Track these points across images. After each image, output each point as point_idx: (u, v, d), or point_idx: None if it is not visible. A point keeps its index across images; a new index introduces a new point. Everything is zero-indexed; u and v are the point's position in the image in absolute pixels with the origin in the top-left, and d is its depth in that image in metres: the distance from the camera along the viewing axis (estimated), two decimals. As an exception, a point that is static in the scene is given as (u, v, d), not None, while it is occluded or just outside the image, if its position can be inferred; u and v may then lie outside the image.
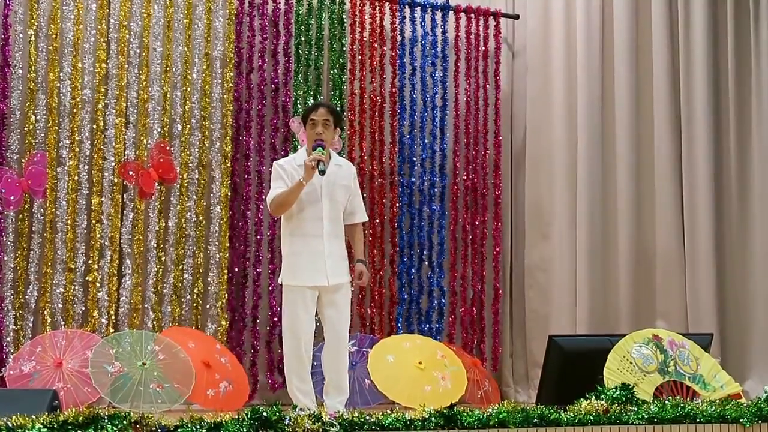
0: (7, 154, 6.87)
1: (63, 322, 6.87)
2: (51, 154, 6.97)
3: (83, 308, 6.97)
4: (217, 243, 7.39)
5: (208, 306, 7.32)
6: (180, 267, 7.26)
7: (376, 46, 8.10)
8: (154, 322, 7.12)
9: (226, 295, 7.37)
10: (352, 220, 5.71)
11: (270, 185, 5.69)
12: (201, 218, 7.36)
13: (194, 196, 7.37)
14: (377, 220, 7.91)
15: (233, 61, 7.57)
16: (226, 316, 7.33)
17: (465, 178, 8.31)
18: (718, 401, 4.72)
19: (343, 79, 7.95)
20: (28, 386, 6.13)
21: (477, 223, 8.29)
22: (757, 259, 8.04)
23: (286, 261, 5.59)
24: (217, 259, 7.38)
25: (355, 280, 5.64)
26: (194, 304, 7.28)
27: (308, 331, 5.48)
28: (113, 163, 7.15)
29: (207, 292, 7.33)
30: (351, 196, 5.68)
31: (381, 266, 7.89)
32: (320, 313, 5.61)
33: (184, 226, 7.30)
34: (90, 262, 7.02)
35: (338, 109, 5.68)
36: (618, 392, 4.67)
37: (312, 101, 7.76)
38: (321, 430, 3.75)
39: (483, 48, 8.52)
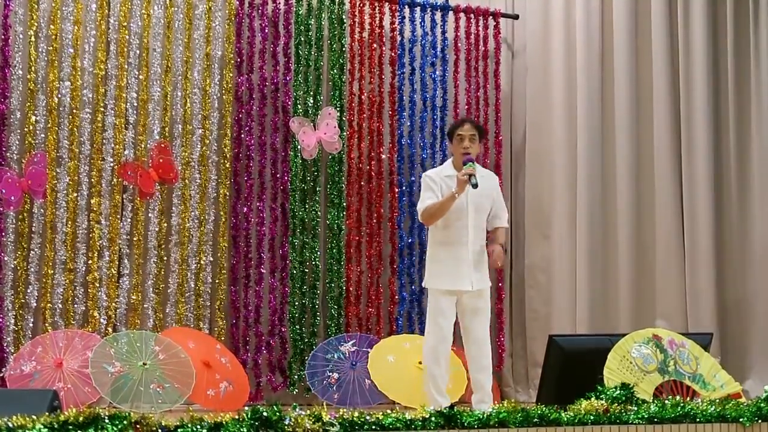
0: (8, 154, 6.87)
1: (63, 323, 6.88)
2: (51, 154, 6.97)
3: (83, 308, 6.98)
4: (218, 243, 7.40)
5: (209, 306, 7.33)
6: (181, 267, 7.26)
7: (375, 46, 8.11)
8: (155, 322, 7.13)
9: (227, 295, 7.38)
10: (495, 224, 5.97)
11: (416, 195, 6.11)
12: (202, 218, 7.37)
13: (195, 197, 7.38)
14: (375, 221, 7.92)
15: (233, 62, 7.58)
16: (222, 316, 7.34)
17: (465, 178, 8.31)
18: (717, 401, 4.72)
19: (343, 80, 7.95)
20: (28, 386, 6.14)
21: (477, 223, 8.29)
22: (756, 258, 8.04)
23: (430, 266, 5.84)
24: (218, 259, 7.39)
25: (491, 261, 5.81)
26: (195, 305, 7.29)
27: (448, 334, 5.73)
28: (113, 164, 7.16)
29: (208, 293, 7.34)
30: (495, 204, 5.93)
31: (379, 266, 7.90)
32: (460, 317, 5.81)
33: (184, 226, 7.31)
34: (90, 262, 7.03)
35: (480, 124, 6.04)
36: (618, 392, 4.68)
37: (312, 101, 7.78)
38: (321, 430, 3.75)
39: (483, 48, 8.52)
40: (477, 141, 5.83)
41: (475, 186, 5.57)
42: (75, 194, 7.04)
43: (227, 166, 7.50)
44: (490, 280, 5.89)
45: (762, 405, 4.64)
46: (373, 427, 3.89)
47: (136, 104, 7.26)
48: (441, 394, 5.66)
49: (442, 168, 5.98)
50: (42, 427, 3.33)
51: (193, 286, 7.29)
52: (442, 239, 5.77)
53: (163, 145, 7.23)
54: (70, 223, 7.00)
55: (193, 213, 7.35)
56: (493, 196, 5.92)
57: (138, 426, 3.45)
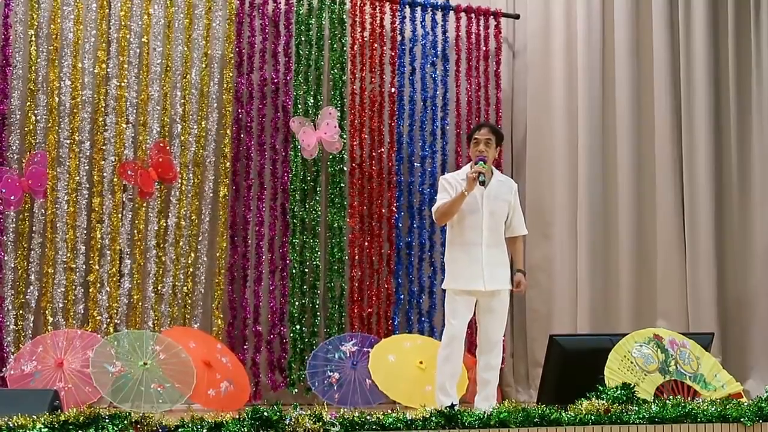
0: (8, 154, 6.87)
1: (64, 322, 6.87)
2: (51, 154, 6.97)
3: (84, 308, 6.98)
4: (217, 243, 7.40)
5: (210, 306, 7.33)
6: (180, 267, 7.26)
7: (376, 45, 8.10)
8: (155, 322, 7.12)
9: (227, 295, 7.38)
10: (512, 233, 6.00)
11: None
12: (200, 218, 7.37)
13: (194, 196, 7.38)
14: (375, 221, 7.92)
15: (233, 61, 7.57)
16: (222, 316, 7.34)
17: (466, 177, 8.31)
18: (718, 401, 4.71)
19: (344, 79, 7.95)
20: (29, 386, 6.14)
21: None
22: (757, 258, 8.02)
23: (447, 267, 5.94)
24: (218, 259, 7.39)
25: (514, 288, 5.93)
26: (196, 304, 7.28)
27: (462, 333, 5.78)
28: (113, 163, 7.16)
29: (209, 292, 7.34)
30: (512, 211, 5.96)
31: (379, 266, 7.90)
32: (477, 317, 5.88)
33: (184, 225, 7.31)
34: (91, 262, 7.03)
35: (499, 129, 6.24)
36: (619, 392, 4.67)
37: (312, 101, 7.78)
38: (322, 429, 3.75)
39: (483, 48, 8.52)
40: (493, 145, 5.87)
41: (482, 184, 5.62)
42: (75, 194, 7.03)
43: (227, 165, 7.49)
44: (509, 283, 5.88)
45: (763, 405, 4.64)
46: (374, 427, 3.89)
47: (136, 103, 7.26)
48: (444, 392, 5.68)
49: (459, 171, 6.07)
50: (42, 426, 3.33)
51: (193, 286, 7.29)
52: (457, 240, 5.85)
53: (162, 145, 7.22)
54: (70, 222, 6.99)
55: (190, 212, 7.35)
56: (510, 201, 5.94)
57: (138, 426, 3.45)
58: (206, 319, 7.35)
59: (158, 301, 7.19)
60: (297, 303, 7.61)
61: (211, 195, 7.43)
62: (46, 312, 6.85)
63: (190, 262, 7.31)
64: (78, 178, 7.05)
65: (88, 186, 7.09)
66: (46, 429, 3.33)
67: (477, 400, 5.79)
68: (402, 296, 7.97)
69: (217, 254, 7.40)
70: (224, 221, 7.44)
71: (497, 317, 5.81)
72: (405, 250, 8.03)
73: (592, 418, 4.31)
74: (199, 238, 7.35)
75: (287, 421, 3.69)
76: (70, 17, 7.13)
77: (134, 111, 7.25)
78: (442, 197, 5.86)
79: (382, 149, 8.03)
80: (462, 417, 4.06)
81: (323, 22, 7.93)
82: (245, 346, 7.39)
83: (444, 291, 5.96)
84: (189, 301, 7.28)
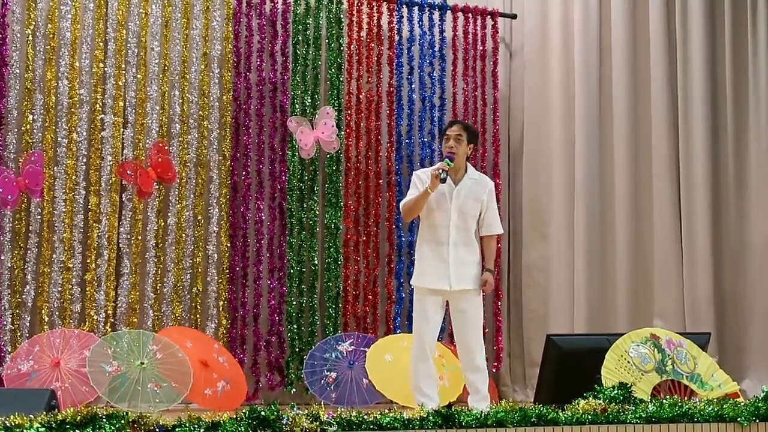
0: (4, 153, 6.87)
1: (60, 322, 6.87)
2: (48, 153, 6.97)
3: (81, 308, 6.97)
4: (216, 242, 7.40)
5: (208, 306, 7.33)
6: (179, 266, 7.26)
7: (373, 45, 8.11)
8: (154, 322, 7.12)
9: (227, 294, 7.38)
10: (486, 231, 5.91)
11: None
12: (200, 218, 7.37)
13: (193, 196, 7.38)
14: (372, 220, 7.92)
15: (231, 61, 7.57)
16: (227, 315, 7.34)
17: (463, 177, 8.31)
18: (715, 400, 4.71)
19: (341, 79, 7.95)
20: (25, 385, 6.13)
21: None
22: (754, 258, 8.03)
23: (416, 263, 5.87)
24: (217, 259, 7.39)
25: (481, 287, 5.79)
26: (193, 304, 7.29)
27: (429, 332, 5.71)
28: (111, 163, 7.15)
29: (207, 292, 7.34)
30: (485, 209, 5.86)
31: (375, 266, 7.90)
32: (451, 317, 5.84)
33: (183, 225, 7.31)
34: (88, 261, 7.02)
35: (472, 126, 6.14)
36: (616, 391, 4.67)
37: (310, 100, 7.78)
38: (319, 429, 3.74)
39: (481, 47, 8.53)
40: (464, 141, 5.76)
41: (443, 181, 5.57)
42: (72, 193, 7.03)
43: (226, 165, 7.49)
44: (477, 283, 5.73)
45: (760, 405, 4.64)
46: (371, 426, 3.89)
47: (134, 103, 7.26)
48: (422, 393, 5.63)
49: (433, 167, 5.97)
50: (39, 426, 3.32)
51: (190, 285, 7.29)
52: (425, 237, 5.78)
53: (161, 144, 7.22)
54: (67, 222, 6.99)
55: (192, 212, 7.35)
56: (483, 200, 5.83)
57: (135, 425, 3.45)
58: (207, 319, 7.34)
59: (157, 301, 7.19)
60: (295, 303, 7.61)
61: (211, 195, 7.43)
62: (43, 311, 6.84)
63: (198, 262, 7.30)
64: (75, 177, 7.04)
65: (85, 185, 7.09)
66: (44, 428, 3.33)
67: (470, 402, 5.73)
68: (403, 296, 7.96)
69: (217, 254, 7.40)
70: (224, 221, 7.44)
71: (468, 318, 5.70)
72: (406, 250, 8.03)
73: (589, 417, 4.31)
74: (203, 239, 7.35)
75: (284, 421, 3.68)
76: (68, 17, 7.13)
77: (133, 111, 7.25)
78: (411, 193, 5.80)
79: (380, 148, 8.03)
80: (459, 417, 4.05)
81: (320, 22, 7.94)
82: (242, 346, 7.38)
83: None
84: (199, 302, 7.28)
